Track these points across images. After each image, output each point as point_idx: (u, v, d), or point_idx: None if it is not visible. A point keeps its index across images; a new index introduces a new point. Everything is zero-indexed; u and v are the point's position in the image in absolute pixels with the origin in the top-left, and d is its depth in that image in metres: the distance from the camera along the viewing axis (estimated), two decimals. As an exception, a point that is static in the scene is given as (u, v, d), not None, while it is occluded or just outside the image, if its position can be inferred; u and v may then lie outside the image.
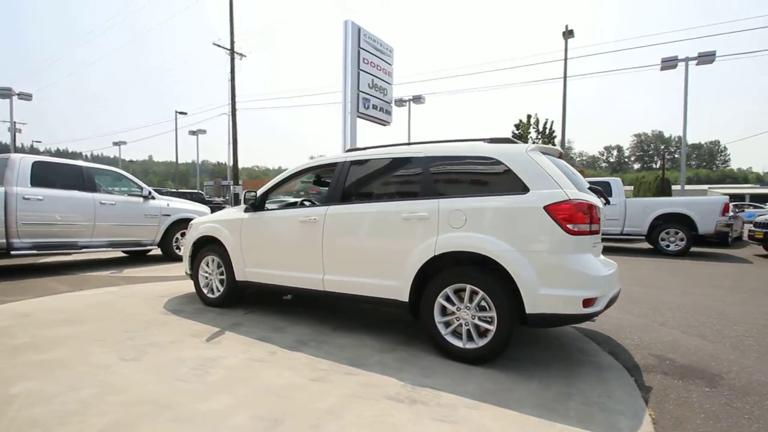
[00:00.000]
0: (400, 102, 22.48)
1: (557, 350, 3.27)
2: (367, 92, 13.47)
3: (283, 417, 2.15)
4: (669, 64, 16.28)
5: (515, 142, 3.21)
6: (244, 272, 4.17)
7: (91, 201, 6.79)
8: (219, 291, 4.43)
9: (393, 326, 3.82)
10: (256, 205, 4.14)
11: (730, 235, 11.17)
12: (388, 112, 14.64)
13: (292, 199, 5.07)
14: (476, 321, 2.92)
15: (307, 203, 4.69)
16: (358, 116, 13.25)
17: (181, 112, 34.57)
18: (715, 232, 9.26)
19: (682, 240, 9.51)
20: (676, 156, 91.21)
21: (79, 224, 6.64)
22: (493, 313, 2.83)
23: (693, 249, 10.26)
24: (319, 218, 3.65)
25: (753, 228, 10.07)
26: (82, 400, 2.29)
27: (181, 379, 2.59)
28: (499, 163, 3.03)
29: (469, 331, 2.94)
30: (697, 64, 15.94)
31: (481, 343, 2.89)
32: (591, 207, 2.80)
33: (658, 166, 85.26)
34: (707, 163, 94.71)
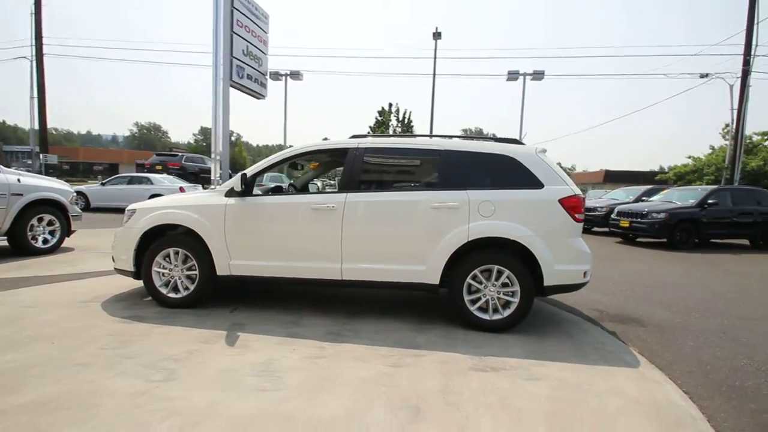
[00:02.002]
0: (276, 76, 21.10)
1: (537, 313, 4.06)
2: (242, 59, 12.20)
3: (414, 403, 2.22)
4: (512, 76, 20.09)
5: (522, 143, 3.76)
6: (228, 266, 3.68)
7: None
8: (187, 289, 3.77)
9: (398, 307, 4.02)
10: (244, 189, 3.67)
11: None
12: (263, 85, 13.63)
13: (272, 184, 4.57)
14: (500, 296, 3.41)
15: (290, 189, 4.38)
16: (231, 85, 11.99)
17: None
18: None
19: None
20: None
21: None
22: (516, 288, 3.37)
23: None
24: (337, 206, 3.52)
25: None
26: (177, 433, 1.87)
27: (260, 389, 2.31)
28: (515, 161, 3.53)
29: (495, 304, 3.42)
30: (531, 79, 20.13)
31: (506, 313, 3.40)
32: (584, 200, 3.58)
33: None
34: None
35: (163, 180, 14.57)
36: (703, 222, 9.57)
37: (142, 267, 3.81)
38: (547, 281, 3.36)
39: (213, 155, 10.39)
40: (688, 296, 5.10)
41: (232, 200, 3.70)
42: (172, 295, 3.79)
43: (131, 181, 14.56)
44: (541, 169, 3.50)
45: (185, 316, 3.54)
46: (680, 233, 9.43)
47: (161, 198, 4.13)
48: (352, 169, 3.65)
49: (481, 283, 3.44)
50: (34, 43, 21.23)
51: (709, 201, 9.71)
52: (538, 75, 19.70)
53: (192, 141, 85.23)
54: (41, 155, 21.00)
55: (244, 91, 12.39)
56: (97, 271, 5.14)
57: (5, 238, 5.96)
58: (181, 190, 14.12)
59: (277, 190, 4.31)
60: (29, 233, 6.14)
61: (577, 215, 3.42)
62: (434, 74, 19.98)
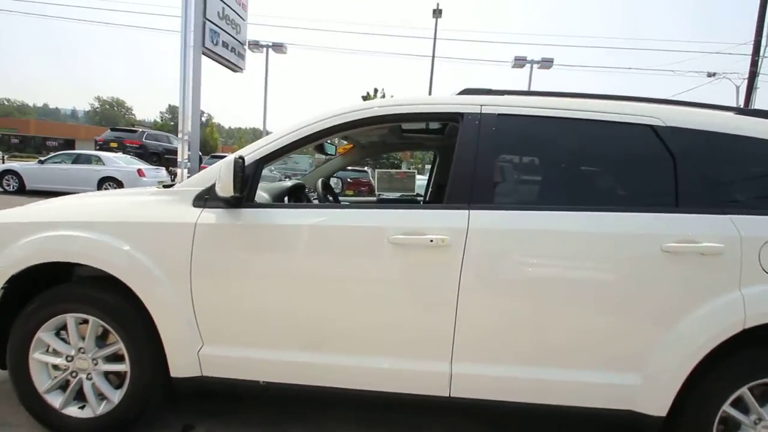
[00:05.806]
0: (257, 46, 18.42)
1: None
2: (216, 23, 9.86)
3: None
4: (519, 63, 18.38)
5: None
6: (196, 358, 1.69)
7: None
8: (106, 401, 1.76)
9: None
10: (241, 194, 1.65)
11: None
12: (241, 56, 11.30)
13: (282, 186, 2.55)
14: (787, 441, 1.61)
15: (311, 194, 2.42)
16: (204, 53, 9.61)
17: None
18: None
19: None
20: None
21: None
22: (827, 427, 1.57)
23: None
24: (452, 238, 1.59)
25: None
26: None
27: None
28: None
29: (775, 460, 1.62)
30: (539, 68, 18.53)
31: (799, 480, 1.61)
32: None
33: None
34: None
35: (117, 160, 12.01)
36: None
37: (7, 348, 1.77)
38: None
39: (180, 134, 8.30)
40: None
41: (210, 214, 1.69)
42: (72, 410, 1.77)
43: (78, 159, 11.93)
44: None
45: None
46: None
47: (53, 202, 2.07)
48: (476, 158, 1.70)
49: (746, 412, 1.62)
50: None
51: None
52: (546, 63, 18.04)
53: (159, 119, 79.82)
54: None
55: (218, 61, 10.03)
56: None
57: None
58: (140, 173, 11.65)
59: (298, 193, 2.30)
60: None
61: None
62: (433, 56, 17.97)
